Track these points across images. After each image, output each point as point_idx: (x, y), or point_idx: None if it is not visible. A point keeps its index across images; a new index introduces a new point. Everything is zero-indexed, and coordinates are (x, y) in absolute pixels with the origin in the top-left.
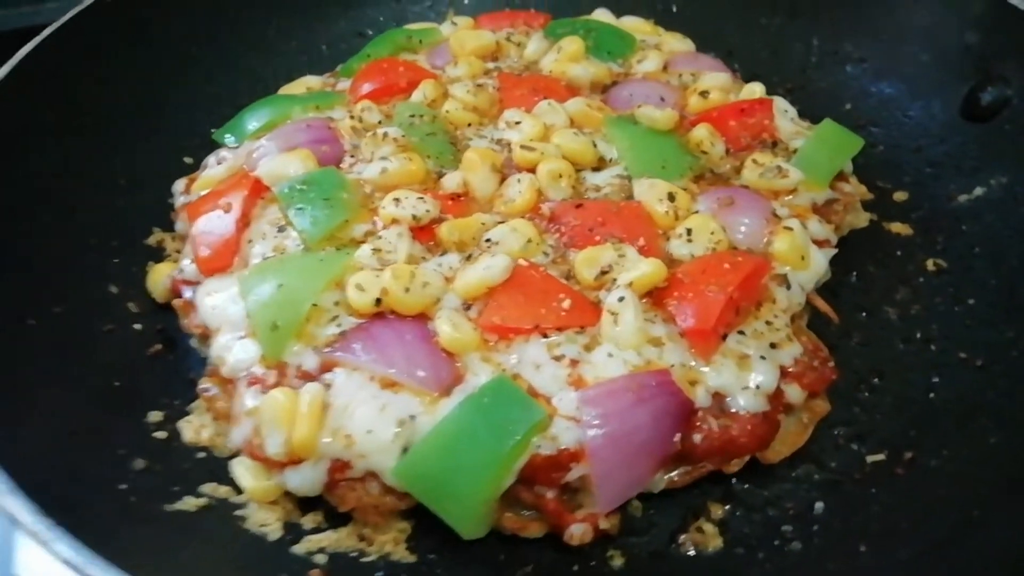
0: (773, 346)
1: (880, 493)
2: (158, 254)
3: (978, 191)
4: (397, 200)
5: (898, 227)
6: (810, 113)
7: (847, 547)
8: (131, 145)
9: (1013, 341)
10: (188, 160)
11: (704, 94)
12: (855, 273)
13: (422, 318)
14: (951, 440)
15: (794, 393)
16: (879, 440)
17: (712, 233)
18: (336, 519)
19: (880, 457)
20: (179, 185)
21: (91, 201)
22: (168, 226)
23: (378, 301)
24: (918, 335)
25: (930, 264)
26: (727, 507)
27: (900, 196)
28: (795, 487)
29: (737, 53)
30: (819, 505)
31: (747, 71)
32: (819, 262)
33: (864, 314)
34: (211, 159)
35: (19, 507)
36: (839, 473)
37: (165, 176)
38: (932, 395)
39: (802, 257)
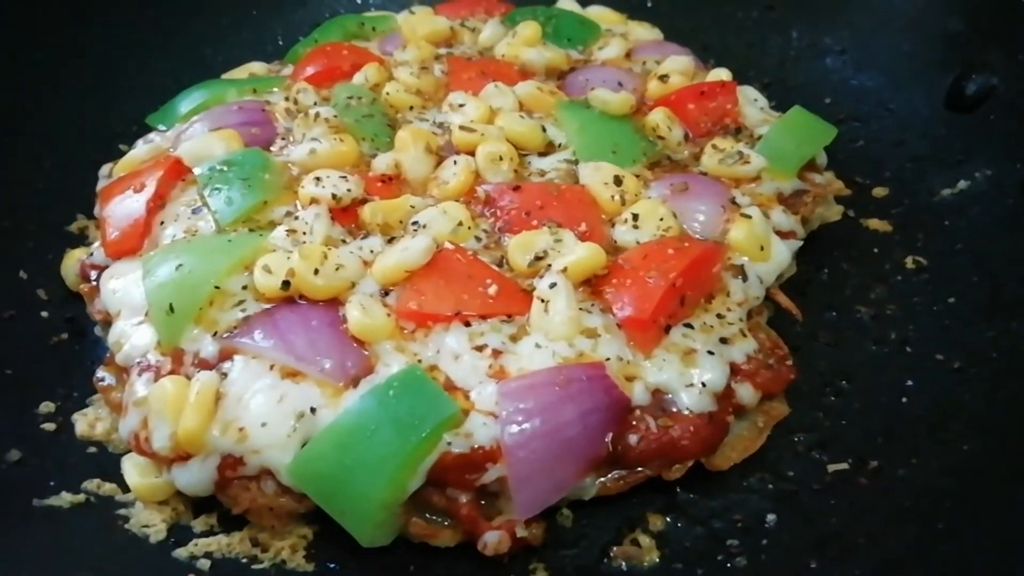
0: (724, 341)
1: (839, 505)
2: (79, 241)
3: (962, 184)
4: (318, 179)
5: (876, 223)
6: (788, 108)
7: (796, 563)
8: (62, 128)
9: (993, 341)
10: (123, 147)
11: (664, 78)
12: (826, 270)
13: (334, 304)
14: (921, 448)
15: (746, 393)
16: (843, 448)
17: (661, 219)
18: (230, 522)
19: (843, 466)
20: (105, 169)
21: (10, 184)
22: (94, 213)
23: (286, 284)
24: (892, 336)
25: (909, 262)
26: (668, 518)
27: (880, 192)
28: (745, 497)
29: (713, 47)
30: (771, 517)
31: (723, 66)
32: (781, 254)
33: (834, 313)
34: (139, 142)
35: None
36: (796, 483)
37: (96, 163)
38: (904, 400)
39: (761, 247)
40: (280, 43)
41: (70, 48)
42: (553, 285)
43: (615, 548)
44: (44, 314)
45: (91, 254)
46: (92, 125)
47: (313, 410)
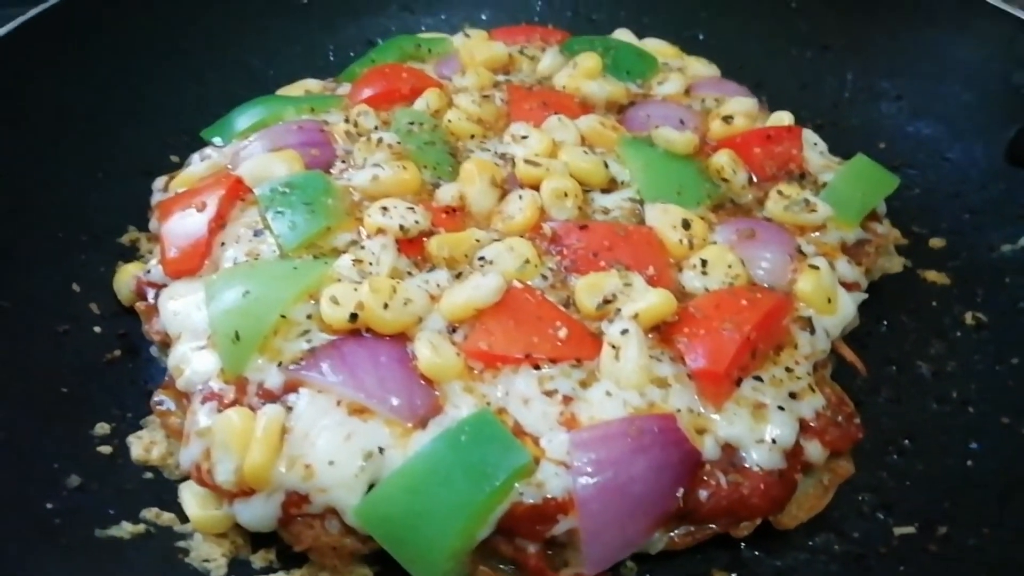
0: (793, 396)
1: (909, 572)
2: (131, 254)
3: (1023, 241)
4: (385, 209)
5: (933, 275)
6: (841, 151)
7: None
8: (115, 140)
9: None
10: (175, 158)
11: (728, 119)
12: (886, 322)
13: (401, 339)
14: (992, 517)
15: (815, 451)
16: (908, 511)
17: (730, 266)
18: (290, 559)
19: (910, 530)
20: (159, 182)
21: (63, 195)
22: (146, 226)
23: (354, 317)
24: (954, 395)
25: (968, 318)
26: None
27: (936, 243)
28: (811, 558)
29: (765, 85)
30: None
31: (775, 104)
32: (847, 307)
33: (894, 368)
34: (195, 156)
35: None
36: (862, 545)
37: (148, 174)
38: (970, 463)
39: (828, 300)
40: (331, 58)
41: (120, 59)
42: (625, 332)
43: None
44: (97, 329)
45: (148, 271)
46: (143, 136)
47: (381, 450)
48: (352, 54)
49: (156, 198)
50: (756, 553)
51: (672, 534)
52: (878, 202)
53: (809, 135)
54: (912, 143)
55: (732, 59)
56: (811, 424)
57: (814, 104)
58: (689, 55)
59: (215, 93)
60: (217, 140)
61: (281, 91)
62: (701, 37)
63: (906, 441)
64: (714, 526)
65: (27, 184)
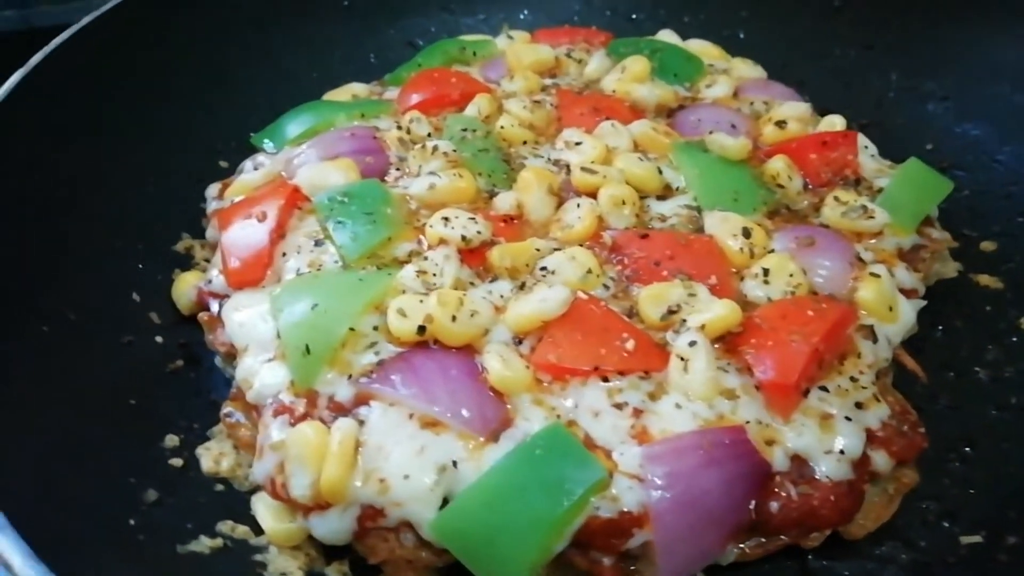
0: (859, 406)
1: None
2: (186, 261)
3: None
4: (446, 219)
5: (986, 280)
6: (887, 152)
7: None
8: (164, 146)
9: None
10: (224, 164)
11: (781, 124)
12: (941, 328)
13: (468, 351)
14: None
15: (881, 461)
16: (974, 519)
17: (791, 275)
18: (364, 571)
19: (976, 539)
20: (212, 190)
21: (118, 203)
22: (198, 232)
23: (422, 329)
24: (1013, 401)
25: (1023, 323)
26: None
27: (988, 246)
28: (879, 567)
29: (808, 84)
30: None
31: (818, 104)
32: (907, 314)
33: (952, 374)
34: (248, 164)
35: (9, 547)
36: (929, 554)
37: (198, 180)
38: None
39: (890, 308)
40: (372, 60)
41: (163, 68)
42: (693, 344)
43: None
44: (159, 339)
45: (209, 281)
46: (190, 142)
47: (455, 464)
48: (392, 56)
49: (212, 206)
50: (824, 563)
51: (743, 546)
52: (933, 207)
53: (861, 139)
54: (960, 145)
55: (774, 59)
56: (877, 434)
57: (858, 105)
58: (732, 56)
59: (259, 98)
60: (267, 145)
61: (328, 96)
62: (742, 36)
63: (967, 448)
64: (784, 537)
65: (80, 194)
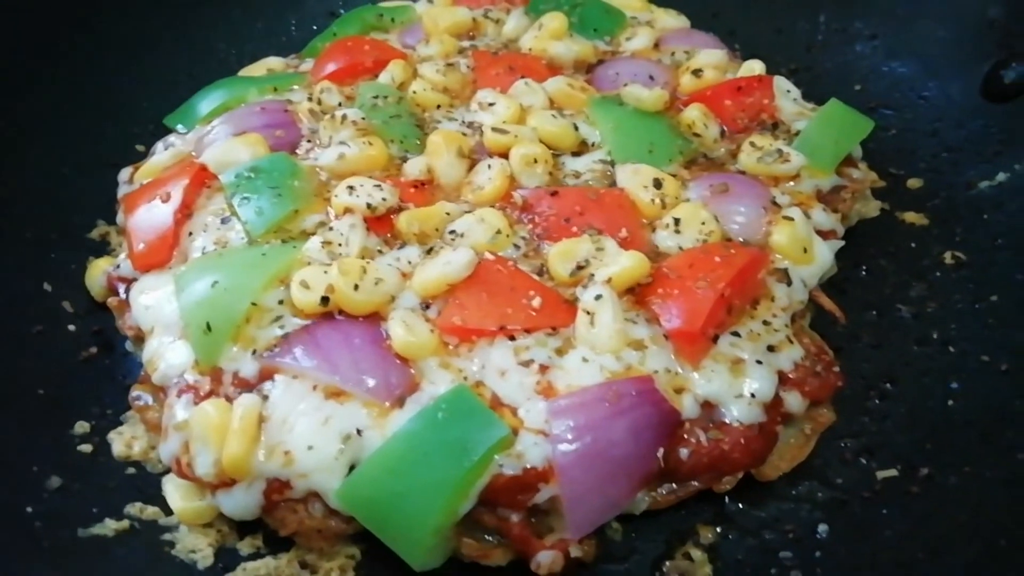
0: (771, 349)
1: (893, 515)
2: (101, 248)
3: (1001, 177)
4: (351, 188)
5: (912, 217)
6: (816, 95)
7: None
8: (78, 131)
9: None
10: (140, 148)
11: (697, 72)
12: (864, 268)
13: (375, 319)
14: (973, 455)
15: (795, 402)
16: (891, 454)
17: (703, 223)
18: (277, 543)
19: (892, 473)
20: (124, 174)
21: (29, 191)
22: (115, 218)
23: (325, 300)
24: (935, 336)
25: (948, 257)
26: (718, 530)
27: (914, 183)
28: (796, 507)
29: (739, 32)
30: (823, 528)
31: (749, 52)
32: (824, 255)
33: (874, 313)
34: (159, 145)
35: None
36: (845, 491)
37: (114, 165)
38: (951, 403)
39: (804, 250)
40: (294, 32)
41: (78, 47)
42: (599, 297)
43: (667, 563)
44: (71, 328)
45: (117, 266)
46: (106, 126)
47: (360, 432)
48: (316, 28)
49: (122, 191)
50: (740, 506)
51: (655, 493)
52: (853, 147)
53: (782, 83)
54: (888, 83)
55: (705, 8)
56: (790, 376)
57: (788, 49)
58: (660, 7)
59: (179, 79)
60: (180, 127)
61: (243, 71)
62: None
63: (888, 385)
64: (696, 483)
65: None
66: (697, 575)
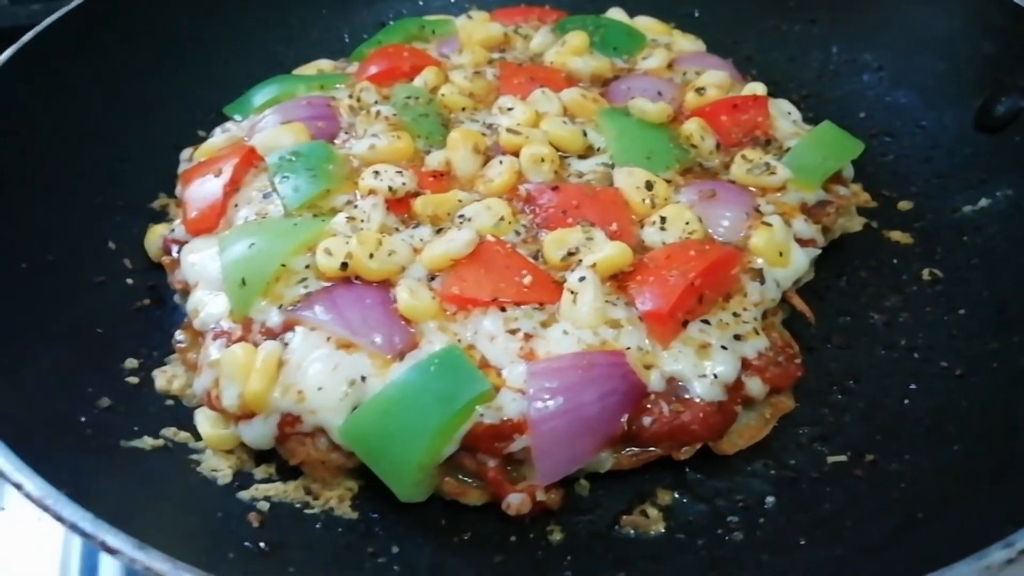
0: (737, 337)
1: (834, 492)
2: (161, 217)
3: (983, 202)
4: (376, 172)
5: (898, 235)
6: (822, 120)
7: (787, 542)
8: (147, 116)
9: (996, 353)
10: (202, 133)
11: (700, 90)
12: (846, 278)
13: (386, 285)
14: (916, 447)
15: (755, 386)
16: (844, 442)
17: (687, 223)
18: (287, 473)
19: (842, 458)
20: (186, 153)
21: (102, 163)
22: (175, 192)
23: (344, 265)
24: (902, 342)
25: (925, 274)
26: (675, 494)
27: (904, 205)
28: (748, 480)
29: (755, 60)
30: (770, 499)
31: (764, 77)
32: (799, 260)
33: (848, 318)
34: (217, 130)
35: None
36: (796, 471)
37: (177, 147)
38: (906, 402)
39: (780, 253)
40: (347, 41)
41: (154, 45)
42: (582, 279)
43: (625, 517)
44: (129, 281)
45: (172, 230)
46: (174, 113)
47: (363, 378)
48: (365, 36)
49: (182, 167)
50: (699, 475)
51: (618, 455)
52: (840, 166)
53: (784, 104)
54: (890, 112)
55: (726, 35)
56: (753, 362)
57: (800, 76)
58: (682, 32)
59: (240, 75)
60: (237, 116)
61: (296, 71)
62: (696, 15)
63: (851, 382)
64: (656, 449)
65: (72, 159)
66: (650, 529)
